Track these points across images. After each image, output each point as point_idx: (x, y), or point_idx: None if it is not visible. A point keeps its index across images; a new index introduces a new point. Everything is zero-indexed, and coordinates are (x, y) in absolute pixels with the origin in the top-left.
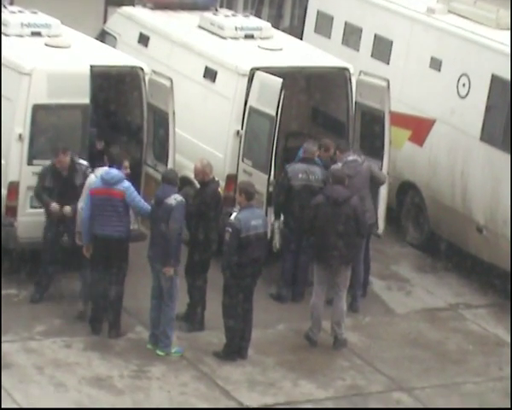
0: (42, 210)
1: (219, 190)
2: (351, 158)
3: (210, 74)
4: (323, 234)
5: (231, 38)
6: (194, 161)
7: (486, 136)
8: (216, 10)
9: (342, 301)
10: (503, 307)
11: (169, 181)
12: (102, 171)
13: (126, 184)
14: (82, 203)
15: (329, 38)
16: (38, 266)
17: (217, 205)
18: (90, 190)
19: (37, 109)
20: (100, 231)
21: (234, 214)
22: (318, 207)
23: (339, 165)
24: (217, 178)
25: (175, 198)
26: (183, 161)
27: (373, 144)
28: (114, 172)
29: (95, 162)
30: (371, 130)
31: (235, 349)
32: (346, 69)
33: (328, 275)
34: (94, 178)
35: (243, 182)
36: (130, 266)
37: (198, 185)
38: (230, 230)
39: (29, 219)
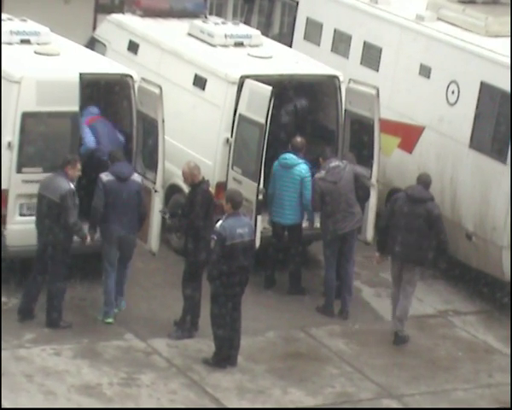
0: (31, 218)
1: (210, 189)
2: (333, 164)
3: (199, 82)
4: (396, 229)
5: (221, 45)
6: None
7: (475, 143)
8: (205, 18)
9: (407, 299)
10: (492, 313)
11: (119, 159)
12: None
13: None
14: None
15: (319, 45)
16: (28, 274)
17: (209, 206)
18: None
19: (27, 117)
20: None
21: (219, 222)
22: (396, 201)
23: (322, 173)
24: (206, 178)
25: (138, 176)
26: (172, 169)
27: (362, 152)
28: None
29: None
30: (361, 137)
31: (224, 357)
32: (335, 77)
33: (398, 270)
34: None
35: (230, 190)
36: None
37: (187, 192)
38: (215, 237)
39: (18, 228)
